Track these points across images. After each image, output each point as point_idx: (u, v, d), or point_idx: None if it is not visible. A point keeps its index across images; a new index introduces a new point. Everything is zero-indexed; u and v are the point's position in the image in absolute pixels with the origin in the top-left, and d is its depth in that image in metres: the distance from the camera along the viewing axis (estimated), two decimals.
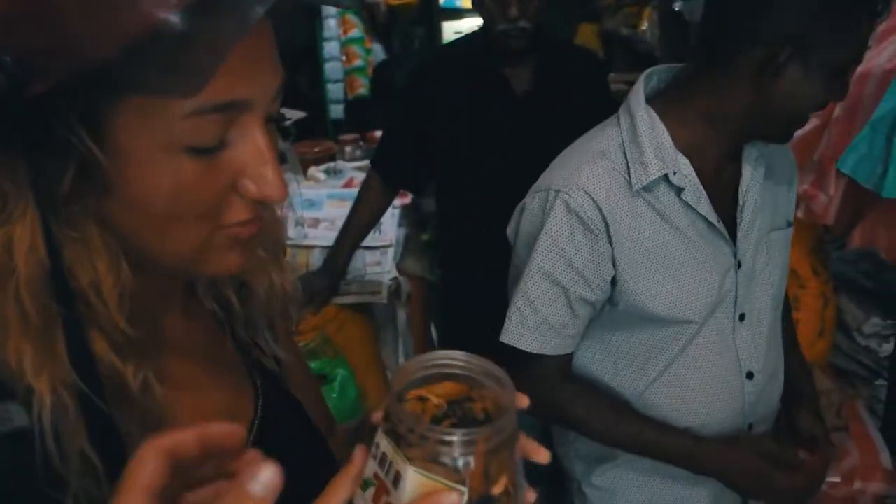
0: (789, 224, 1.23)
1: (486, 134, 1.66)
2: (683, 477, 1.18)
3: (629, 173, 1.08)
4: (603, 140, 1.12)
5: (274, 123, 0.53)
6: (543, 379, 1.15)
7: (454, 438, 0.42)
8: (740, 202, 1.14)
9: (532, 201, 1.15)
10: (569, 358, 1.17)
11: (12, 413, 0.45)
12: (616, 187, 1.08)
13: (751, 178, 1.14)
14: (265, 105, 0.49)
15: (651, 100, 1.11)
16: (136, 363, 0.49)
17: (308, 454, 0.67)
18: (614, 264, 1.09)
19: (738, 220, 1.14)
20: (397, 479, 0.43)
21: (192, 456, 0.41)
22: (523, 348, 1.12)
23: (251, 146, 0.49)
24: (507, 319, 1.13)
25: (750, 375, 1.18)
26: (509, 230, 1.21)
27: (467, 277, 1.79)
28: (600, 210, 1.07)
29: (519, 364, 1.14)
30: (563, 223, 1.08)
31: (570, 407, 1.16)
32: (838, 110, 1.63)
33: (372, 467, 0.45)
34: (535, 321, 1.11)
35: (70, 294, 0.46)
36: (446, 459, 0.42)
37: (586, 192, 1.07)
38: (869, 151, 1.54)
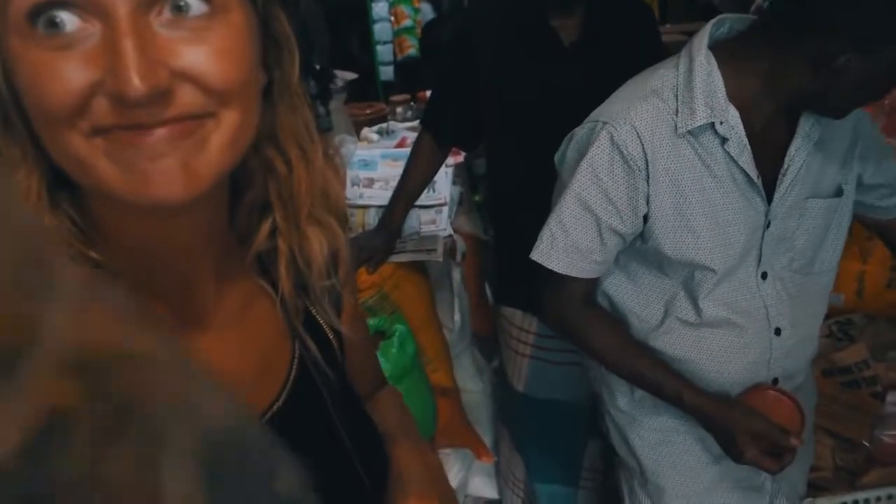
0: (839, 193, 1.19)
1: (533, 86, 1.64)
2: None
3: (677, 115, 1.09)
4: (658, 79, 1.13)
5: (204, 9, 0.45)
6: (566, 300, 1.21)
7: None
8: (785, 165, 1.13)
9: (581, 130, 1.18)
10: (593, 284, 1.22)
11: None
12: (662, 127, 1.09)
13: (801, 143, 1.13)
14: None
15: (714, 47, 1.10)
16: None
17: (327, 458, 0.62)
18: (648, 203, 1.12)
19: (779, 183, 1.13)
20: None
21: None
22: (550, 267, 1.17)
23: (108, 33, 0.43)
24: (538, 239, 1.19)
25: (778, 332, 1.20)
26: (556, 157, 1.24)
27: (519, 236, 1.79)
28: (643, 147, 1.09)
29: (545, 284, 1.21)
30: (605, 154, 1.11)
31: (584, 331, 1.22)
32: None
33: None
34: (564, 243, 1.15)
35: None
36: None
37: (632, 127, 1.09)
38: None
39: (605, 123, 1.11)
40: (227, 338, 0.57)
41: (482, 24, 1.75)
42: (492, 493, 2.07)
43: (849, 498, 1.51)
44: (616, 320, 1.25)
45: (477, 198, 2.49)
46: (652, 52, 1.68)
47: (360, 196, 2.12)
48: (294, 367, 0.61)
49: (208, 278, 0.56)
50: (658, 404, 1.25)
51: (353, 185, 2.13)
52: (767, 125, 1.10)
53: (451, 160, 2.10)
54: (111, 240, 0.51)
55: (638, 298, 1.23)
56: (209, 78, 0.45)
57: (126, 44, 0.42)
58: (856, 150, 1.20)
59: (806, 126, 1.13)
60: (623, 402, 1.31)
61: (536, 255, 1.18)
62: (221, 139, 0.47)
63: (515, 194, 1.77)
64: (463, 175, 2.40)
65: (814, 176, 1.16)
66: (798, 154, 1.13)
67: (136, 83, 0.42)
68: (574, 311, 1.21)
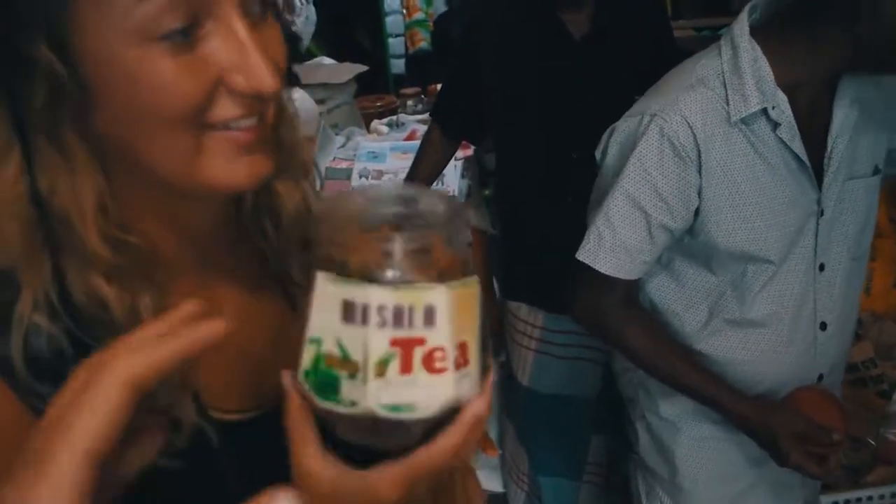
0: (876, 171, 1.18)
1: (543, 80, 1.64)
2: None
3: (728, 103, 1.06)
4: (702, 69, 1.10)
5: (267, 14, 0.49)
6: (606, 301, 1.17)
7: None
8: (829, 147, 1.11)
9: (624, 124, 1.14)
10: (635, 284, 1.18)
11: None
12: (713, 116, 1.06)
13: (842, 123, 1.11)
14: None
15: (753, 33, 1.08)
16: (121, 289, 0.47)
17: None
18: (700, 195, 1.09)
19: (826, 167, 1.11)
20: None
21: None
22: (597, 268, 1.13)
23: (226, 36, 0.46)
24: (585, 238, 1.14)
25: (823, 326, 1.17)
26: (597, 152, 1.20)
27: (526, 231, 1.80)
28: (695, 138, 1.06)
29: (585, 284, 1.17)
30: (654, 148, 1.07)
31: (621, 331, 1.18)
32: None
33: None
34: (612, 243, 1.11)
35: (49, 217, 0.46)
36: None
37: (683, 118, 1.06)
38: None
39: (653, 116, 1.08)
40: (244, 296, 0.60)
41: (488, 19, 1.75)
42: (496, 486, 2.08)
43: (852, 496, 1.50)
44: (654, 320, 1.21)
45: (486, 192, 2.49)
46: (662, 47, 1.68)
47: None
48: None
49: (225, 251, 0.59)
50: (699, 411, 1.21)
51: (361, 176, 2.14)
52: (810, 109, 1.09)
53: (460, 153, 2.11)
54: (139, 226, 0.52)
55: (682, 299, 1.19)
56: (282, 67, 0.49)
57: (250, 45, 0.46)
58: (889, 122, 1.18)
59: (844, 106, 1.11)
60: (665, 409, 1.26)
61: (583, 256, 1.14)
62: (269, 123, 0.51)
63: (522, 188, 1.78)
64: (472, 169, 2.40)
65: (850, 157, 1.14)
66: (841, 135, 1.11)
67: (269, 80, 0.46)
68: (612, 311, 1.17)
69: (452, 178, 2.15)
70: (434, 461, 0.42)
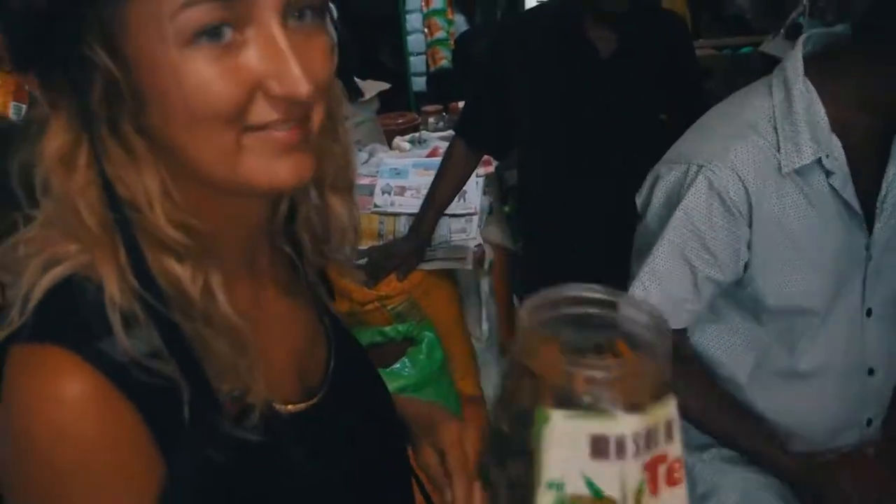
0: None
1: (569, 98, 1.65)
2: None
3: (779, 151, 1.01)
4: (752, 112, 1.05)
5: (311, 18, 0.50)
6: None
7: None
8: (884, 191, 1.05)
9: (669, 173, 1.08)
10: (683, 334, 1.12)
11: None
12: (765, 167, 1.01)
13: None
14: None
15: (806, 67, 1.02)
16: (193, 268, 0.50)
17: (376, 400, 0.70)
18: (749, 248, 1.04)
19: (879, 211, 1.06)
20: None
21: None
22: None
23: (265, 43, 0.47)
24: (630, 292, 1.09)
25: (871, 371, 1.13)
26: (639, 200, 1.16)
27: (548, 248, 1.80)
28: (746, 191, 1.01)
29: None
30: (703, 201, 1.03)
31: (681, 389, 1.13)
32: None
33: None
34: (658, 296, 1.06)
35: (119, 204, 0.49)
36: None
37: (734, 171, 1.01)
38: None
39: (701, 166, 1.02)
40: (281, 295, 0.63)
41: (520, 33, 1.76)
42: None
43: None
44: (709, 377, 1.15)
45: (507, 209, 2.50)
46: (687, 68, 1.69)
47: (392, 204, 2.14)
48: (332, 342, 0.66)
49: (264, 241, 0.62)
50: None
51: (384, 193, 2.16)
52: (863, 152, 1.03)
53: (481, 170, 2.12)
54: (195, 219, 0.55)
55: (728, 348, 1.13)
56: (324, 75, 0.51)
57: (288, 51, 0.47)
58: None
59: None
60: (708, 453, 1.18)
61: None
62: (315, 129, 0.52)
63: (546, 204, 1.78)
64: (493, 185, 2.41)
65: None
66: None
67: (306, 85, 0.47)
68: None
69: (474, 195, 2.15)
70: None
